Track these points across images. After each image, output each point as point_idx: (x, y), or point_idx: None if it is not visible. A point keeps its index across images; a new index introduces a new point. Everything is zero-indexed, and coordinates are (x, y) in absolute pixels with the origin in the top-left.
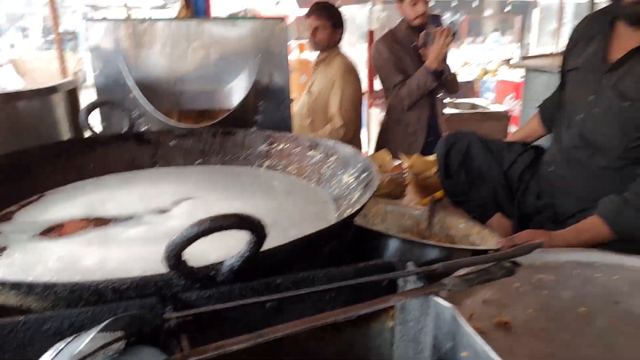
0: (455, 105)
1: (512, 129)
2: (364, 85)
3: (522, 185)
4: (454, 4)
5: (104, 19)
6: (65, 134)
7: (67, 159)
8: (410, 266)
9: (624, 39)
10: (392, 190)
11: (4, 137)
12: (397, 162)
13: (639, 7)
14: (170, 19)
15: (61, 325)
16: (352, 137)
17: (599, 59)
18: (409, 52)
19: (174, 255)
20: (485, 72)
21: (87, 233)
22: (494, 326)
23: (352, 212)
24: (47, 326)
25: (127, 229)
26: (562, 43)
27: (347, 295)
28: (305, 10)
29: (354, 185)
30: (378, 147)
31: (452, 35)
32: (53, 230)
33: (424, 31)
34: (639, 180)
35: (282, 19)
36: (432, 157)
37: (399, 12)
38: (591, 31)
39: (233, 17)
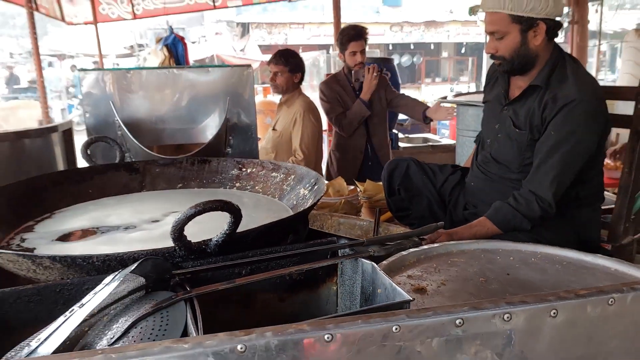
0: (409, 140)
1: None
2: (325, 123)
3: (453, 199)
4: (412, 47)
5: (96, 68)
6: (61, 165)
7: (71, 184)
8: (345, 241)
9: (518, 81)
10: (348, 212)
11: (13, 167)
12: (351, 187)
13: (500, 67)
14: (153, 68)
15: (96, 285)
16: (313, 168)
17: (502, 95)
18: (348, 92)
19: (178, 230)
20: None
21: (97, 237)
22: (413, 290)
23: (304, 209)
24: (86, 287)
25: (129, 234)
26: None
27: (301, 263)
28: (268, 57)
29: (308, 195)
30: (327, 173)
31: (379, 71)
32: (68, 236)
33: (355, 69)
34: (521, 188)
35: (249, 66)
36: (381, 183)
37: (341, 59)
38: (497, 73)
39: (205, 65)
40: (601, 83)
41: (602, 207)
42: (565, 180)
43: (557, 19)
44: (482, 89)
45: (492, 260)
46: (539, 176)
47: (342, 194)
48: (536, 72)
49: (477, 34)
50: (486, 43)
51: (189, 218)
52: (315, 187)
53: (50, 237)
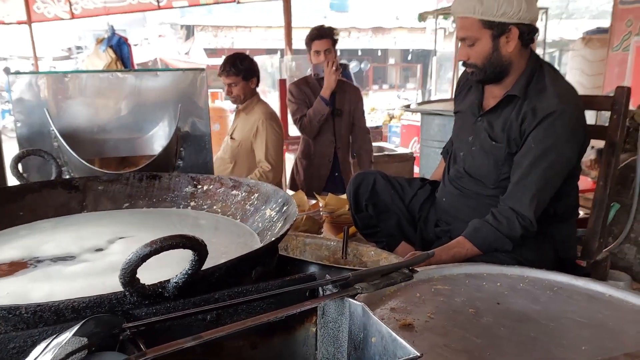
0: None
1: (417, 169)
2: None
3: (423, 216)
4: (359, 53)
5: (29, 72)
6: None
7: None
8: (327, 277)
9: (493, 90)
10: (310, 228)
11: None
12: (313, 202)
13: (473, 75)
14: (94, 71)
15: (25, 343)
16: (279, 180)
17: (476, 105)
18: (317, 95)
19: (129, 273)
20: (391, 118)
21: (29, 272)
22: (399, 327)
23: (276, 237)
24: (12, 345)
25: (68, 267)
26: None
27: (276, 305)
28: (214, 60)
29: (275, 217)
30: (291, 181)
31: (339, 65)
32: None
33: (314, 64)
34: (499, 205)
35: (202, 70)
36: (344, 196)
37: (309, 61)
38: (470, 81)
39: (154, 68)
40: None
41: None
42: (546, 196)
43: (531, 23)
44: (428, 97)
45: (478, 288)
46: (519, 192)
47: (303, 209)
48: (512, 81)
49: (424, 41)
50: (458, 50)
51: (142, 259)
52: (285, 208)
53: None
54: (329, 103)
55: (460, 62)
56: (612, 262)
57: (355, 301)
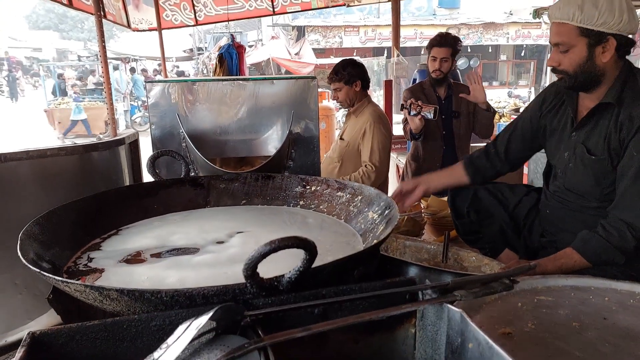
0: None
1: (526, 170)
2: None
3: (528, 224)
4: (468, 49)
5: (162, 80)
6: (128, 177)
7: (137, 199)
8: (428, 282)
9: (586, 101)
10: (411, 229)
11: (82, 181)
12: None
13: (562, 82)
14: (218, 79)
15: (163, 322)
16: (384, 180)
17: (569, 119)
18: (432, 101)
19: (252, 267)
20: (501, 116)
21: (163, 260)
22: (499, 335)
23: (379, 240)
24: (153, 323)
25: (195, 257)
26: None
27: (377, 305)
28: (322, 60)
29: (378, 220)
30: (401, 181)
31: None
32: (135, 258)
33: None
34: (608, 216)
35: (314, 78)
36: (446, 198)
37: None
38: (562, 95)
39: (270, 77)
40: None
41: None
42: None
43: (630, 36)
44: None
45: (584, 301)
46: (628, 202)
47: (404, 210)
48: (605, 90)
49: (538, 35)
50: (549, 54)
51: (262, 256)
52: (387, 212)
53: (117, 258)
54: (417, 137)
55: (550, 68)
56: None
57: (454, 307)
